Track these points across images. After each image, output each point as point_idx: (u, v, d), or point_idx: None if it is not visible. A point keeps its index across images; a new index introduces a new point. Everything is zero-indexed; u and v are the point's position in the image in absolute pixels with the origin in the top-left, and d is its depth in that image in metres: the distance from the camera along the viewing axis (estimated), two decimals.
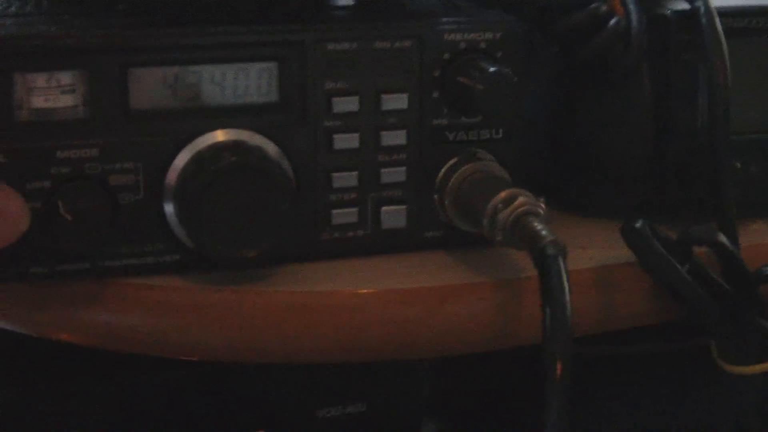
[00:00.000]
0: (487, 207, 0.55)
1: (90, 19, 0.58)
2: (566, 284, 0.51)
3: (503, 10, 0.62)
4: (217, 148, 0.55)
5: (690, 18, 0.62)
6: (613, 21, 0.62)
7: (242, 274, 0.57)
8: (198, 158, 0.54)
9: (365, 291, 0.56)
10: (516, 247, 0.55)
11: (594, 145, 0.65)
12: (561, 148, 0.66)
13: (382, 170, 0.59)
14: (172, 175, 0.55)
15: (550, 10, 0.62)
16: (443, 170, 0.59)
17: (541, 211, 0.55)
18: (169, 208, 0.55)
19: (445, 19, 0.58)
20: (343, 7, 0.63)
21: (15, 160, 0.53)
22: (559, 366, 0.50)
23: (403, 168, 0.59)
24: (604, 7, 0.62)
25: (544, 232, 0.52)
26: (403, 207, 0.59)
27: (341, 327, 0.56)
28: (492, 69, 0.56)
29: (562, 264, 0.52)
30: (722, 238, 0.56)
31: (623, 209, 0.62)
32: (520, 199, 0.55)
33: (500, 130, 0.60)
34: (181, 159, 0.55)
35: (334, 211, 0.58)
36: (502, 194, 0.55)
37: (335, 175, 0.58)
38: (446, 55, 0.58)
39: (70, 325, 0.57)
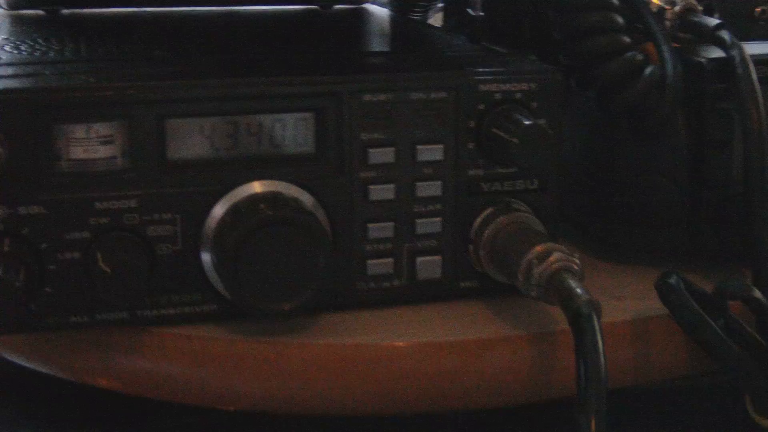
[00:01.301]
0: (521, 261, 0.55)
1: (127, 67, 0.58)
2: (601, 344, 0.51)
3: (539, 57, 0.62)
4: (254, 200, 0.55)
5: (725, 66, 0.62)
6: (648, 70, 0.61)
7: (279, 323, 0.57)
8: (235, 210, 0.55)
9: (401, 344, 0.56)
10: (550, 302, 0.55)
11: (629, 191, 0.65)
12: (595, 193, 0.66)
13: (418, 221, 0.59)
14: (209, 226, 0.55)
15: (586, 57, 0.62)
16: (478, 221, 0.59)
17: (576, 267, 0.54)
18: (206, 257, 0.55)
19: (480, 70, 0.58)
20: (380, 53, 0.64)
21: (54, 210, 0.53)
22: (593, 424, 0.50)
23: (439, 219, 0.59)
24: (639, 56, 0.62)
25: (578, 291, 0.52)
26: (439, 257, 0.59)
27: (377, 380, 0.56)
28: (527, 122, 0.56)
29: (596, 324, 0.51)
30: (757, 294, 0.56)
31: (658, 256, 0.62)
32: (555, 255, 0.55)
33: (535, 181, 0.60)
34: (219, 210, 0.55)
35: (370, 262, 0.58)
36: (537, 249, 0.55)
37: (371, 225, 0.58)
38: (481, 106, 0.58)
39: (108, 372, 0.57)
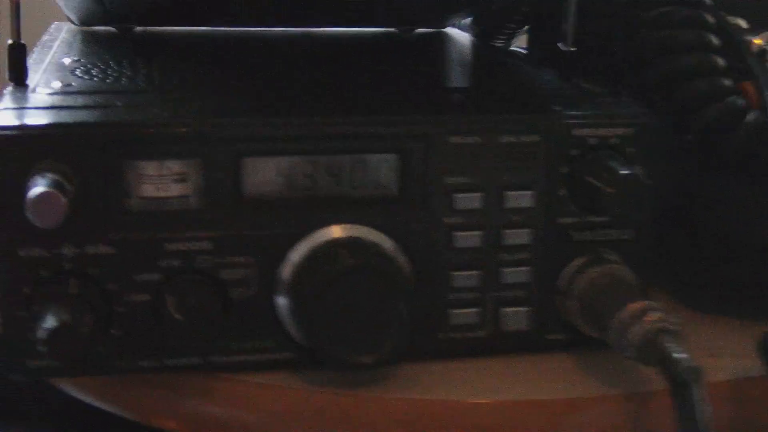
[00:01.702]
0: (615, 319, 0.52)
1: (203, 100, 0.56)
2: (703, 414, 0.48)
3: (634, 98, 0.58)
4: (333, 245, 0.52)
5: None
6: (750, 115, 0.58)
7: (356, 374, 0.54)
8: (313, 255, 0.52)
9: (484, 401, 0.53)
10: (646, 364, 0.51)
11: (735, 240, 0.61)
12: (695, 241, 0.62)
13: (504, 270, 0.56)
14: (285, 270, 0.52)
15: (685, 101, 0.58)
16: (568, 271, 0.56)
17: (674, 328, 0.51)
18: (281, 302, 0.53)
19: (574, 113, 0.55)
20: (467, 90, 0.61)
21: (123, 250, 0.51)
22: None
23: (527, 268, 0.56)
24: (740, 101, 0.58)
25: (678, 356, 0.49)
26: (525, 308, 0.56)
27: None
28: (623, 171, 0.53)
29: (699, 393, 0.48)
30: None
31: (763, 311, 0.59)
32: (652, 315, 0.51)
33: (629, 231, 0.56)
34: (297, 254, 0.52)
35: (453, 311, 0.56)
36: (632, 306, 0.52)
37: (455, 273, 0.55)
38: (574, 151, 0.55)
39: (177, 415, 0.55)
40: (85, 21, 0.74)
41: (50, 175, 0.48)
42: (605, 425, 0.54)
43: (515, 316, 0.56)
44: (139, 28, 0.75)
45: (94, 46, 0.70)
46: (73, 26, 0.76)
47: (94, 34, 0.74)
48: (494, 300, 0.56)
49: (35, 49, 0.68)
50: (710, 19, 0.58)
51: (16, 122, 0.50)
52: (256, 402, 0.54)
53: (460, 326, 0.56)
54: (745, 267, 0.61)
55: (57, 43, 0.70)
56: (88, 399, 0.57)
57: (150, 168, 0.51)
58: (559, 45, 0.61)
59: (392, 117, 0.54)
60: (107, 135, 0.50)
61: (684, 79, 0.58)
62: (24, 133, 0.50)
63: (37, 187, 0.47)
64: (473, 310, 0.56)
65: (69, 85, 0.57)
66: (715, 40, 0.58)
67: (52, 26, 0.77)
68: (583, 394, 0.54)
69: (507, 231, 0.55)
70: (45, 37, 0.73)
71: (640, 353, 0.51)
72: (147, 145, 0.51)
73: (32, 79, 0.57)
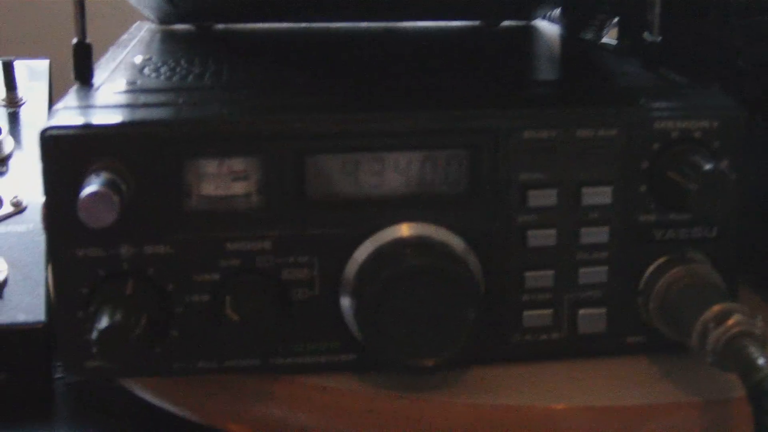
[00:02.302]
0: (697, 322, 0.49)
1: (265, 96, 0.54)
2: None
3: (722, 89, 0.55)
4: (399, 244, 0.50)
5: None
6: None
7: (422, 377, 0.52)
8: (379, 254, 0.50)
9: (559, 407, 0.51)
10: (727, 369, 0.48)
11: None
12: None
13: (581, 270, 0.53)
14: (350, 270, 0.51)
15: None
16: (649, 271, 0.54)
17: (758, 331, 0.48)
18: (345, 304, 0.51)
19: (655, 105, 0.52)
20: (543, 83, 0.58)
21: (182, 250, 0.50)
22: None
23: (605, 268, 0.53)
24: None
25: (760, 362, 0.46)
26: (603, 310, 0.54)
27: None
28: (707, 167, 0.50)
29: None
30: None
31: None
32: (734, 318, 0.49)
33: (714, 229, 0.53)
34: (361, 253, 0.51)
35: (526, 313, 0.53)
36: (715, 309, 0.49)
37: (528, 274, 0.53)
38: (656, 146, 0.52)
39: (239, 417, 0.54)
40: (163, 20, 0.74)
41: (105, 175, 0.47)
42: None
43: (592, 318, 0.54)
44: (219, 26, 0.74)
45: (171, 45, 0.69)
46: (153, 25, 0.75)
47: (173, 33, 0.73)
48: (570, 301, 0.54)
49: (111, 48, 0.67)
50: None
51: (74, 121, 0.49)
52: (316, 405, 0.52)
53: (534, 328, 0.54)
54: None
55: (134, 42, 0.69)
56: (149, 397, 0.56)
57: (210, 166, 0.50)
58: (645, 35, 0.58)
59: (461, 111, 0.52)
60: (166, 133, 0.49)
61: None
62: (81, 132, 0.49)
63: (89, 187, 0.46)
64: (547, 311, 0.54)
65: (134, 83, 0.56)
66: None
67: (134, 25, 0.76)
68: (661, 400, 0.52)
69: (584, 229, 0.53)
70: (123, 36, 0.72)
71: (720, 358, 0.49)
72: (207, 142, 0.50)
73: (99, 78, 0.56)
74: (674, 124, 0.52)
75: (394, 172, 0.51)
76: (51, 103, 0.85)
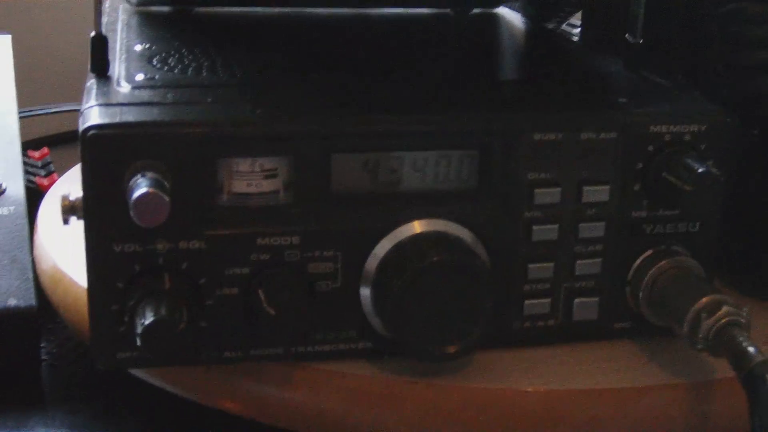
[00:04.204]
0: (688, 311, 0.54)
1: (290, 96, 0.57)
2: None
3: (705, 95, 0.60)
4: (419, 239, 0.54)
5: None
6: None
7: (434, 364, 0.56)
8: (399, 249, 0.54)
9: (559, 389, 0.55)
10: (715, 355, 0.53)
11: None
12: (750, 231, 0.64)
13: (578, 262, 0.57)
14: (371, 264, 0.54)
15: (753, 96, 0.59)
16: (638, 263, 0.58)
17: (744, 321, 0.53)
18: (365, 294, 0.54)
19: (651, 110, 0.57)
20: (544, 85, 0.62)
21: (215, 246, 0.52)
22: None
23: (599, 260, 0.57)
24: None
25: (751, 350, 0.51)
26: (596, 298, 0.58)
27: (534, 424, 0.55)
28: (701, 169, 0.54)
29: None
30: None
31: None
32: (725, 309, 0.53)
33: (697, 224, 0.58)
34: (382, 248, 0.54)
35: (527, 302, 0.57)
36: (705, 300, 0.54)
37: (531, 266, 0.57)
38: (650, 147, 0.56)
39: (258, 405, 0.57)
40: (142, 1, 0.75)
41: (151, 175, 0.49)
42: (671, 413, 0.56)
43: (586, 306, 0.58)
44: (198, 9, 0.75)
45: (159, 30, 0.70)
46: (128, 6, 0.76)
47: (152, 15, 0.75)
48: (567, 291, 0.58)
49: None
50: None
51: (113, 120, 0.51)
52: (337, 390, 0.55)
53: (534, 316, 0.58)
54: None
55: (119, 26, 0.70)
56: (164, 386, 0.58)
57: (243, 165, 0.52)
58: (627, 36, 0.62)
59: (474, 114, 0.55)
60: (204, 133, 0.51)
61: (755, 74, 0.59)
62: (123, 131, 0.50)
63: (142, 188, 0.48)
64: (546, 300, 0.57)
65: (152, 78, 0.57)
66: None
67: (106, 5, 0.77)
68: (650, 382, 0.56)
69: (582, 225, 0.57)
70: (105, 19, 0.73)
71: (712, 345, 0.53)
72: (241, 142, 0.52)
73: (112, 69, 0.58)
74: (667, 128, 0.56)
75: (412, 169, 0.54)
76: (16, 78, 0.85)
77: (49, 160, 0.88)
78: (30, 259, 0.67)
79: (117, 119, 0.51)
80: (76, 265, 0.63)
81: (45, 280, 0.66)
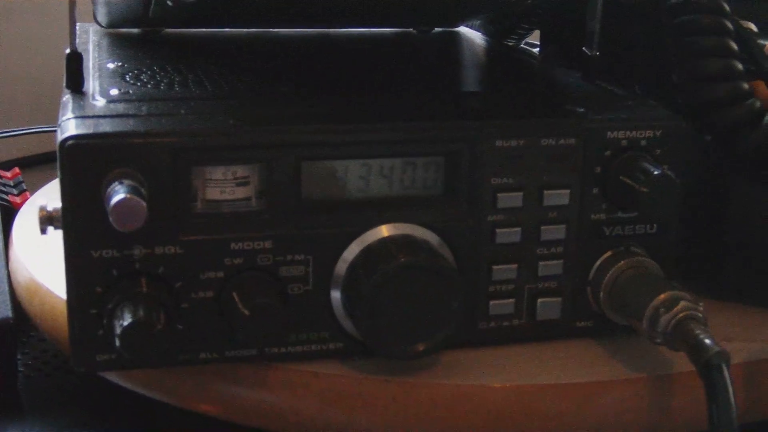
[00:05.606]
0: (647, 308, 0.56)
1: (261, 106, 0.59)
2: (732, 396, 0.52)
3: (662, 103, 0.62)
4: (387, 242, 0.55)
5: None
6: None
7: (401, 363, 0.58)
8: (368, 252, 0.55)
9: (521, 384, 0.57)
10: (675, 349, 0.55)
11: (742, 236, 0.66)
12: (707, 234, 0.67)
13: (540, 263, 0.59)
14: (341, 267, 0.56)
15: (707, 103, 0.62)
16: (598, 263, 0.60)
17: (701, 315, 0.55)
18: (335, 296, 0.56)
19: (609, 117, 0.59)
20: (505, 95, 0.64)
21: (190, 251, 0.54)
22: None
23: (560, 261, 0.60)
24: (758, 103, 0.62)
25: (708, 342, 0.53)
26: (559, 299, 0.60)
27: (503, 419, 0.57)
28: (656, 172, 0.56)
29: (727, 375, 0.52)
30: None
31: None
32: (682, 304, 0.55)
33: (654, 226, 0.60)
34: (351, 252, 0.56)
35: (492, 302, 0.59)
36: (663, 297, 0.56)
37: (495, 267, 0.59)
38: (608, 153, 0.58)
39: (234, 406, 0.58)
40: (112, 24, 0.77)
41: (128, 182, 0.51)
42: (632, 406, 0.58)
43: (549, 306, 0.60)
44: (166, 30, 0.78)
45: (130, 50, 0.72)
46: (98, 28, 0.78)
47: (121, 36, 0.76)
48: (530, 291, 0.60)
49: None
50: (730, 25, 0.62)
51: (90, 131, 0.52)
52: (309, 389, 0.57)
53: (498, 316, 0.60)
54: (758, 259, 0.65)
55: (91, 46, 0.72)
56: (137, 389, 0.60)
57: (216, 173, 0.54)
58: (584, 49, 0.65)
59: (440, 122, 0.57)
60: (178, 142, 0.53)
61: (707, 83, 0.62)
62: (100, 142, 0.52)
63: (120, 194, 0.50)
64: (510, 301, 0.60)
65: (126, 92, 0.59)
66: (734, 46, 0.62)
67: (77, 27, 0.78)
68: (611, 377, 0.58)
69: (544, 227, 0.59)
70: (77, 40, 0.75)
71: (671, 340, 0.55)
72: (214, 151, 0.54)
73: (87, 86, 0.60)
74: (624, 134, 0.59)
75: (380, 176, 0.56)
76: None
77: (21, 180, 0.89)
78: (6, 272, 0.69)
79: (94, 130, 0.53)
80: (52, 276, 0.65)
81: (21, 292, 0.67)
